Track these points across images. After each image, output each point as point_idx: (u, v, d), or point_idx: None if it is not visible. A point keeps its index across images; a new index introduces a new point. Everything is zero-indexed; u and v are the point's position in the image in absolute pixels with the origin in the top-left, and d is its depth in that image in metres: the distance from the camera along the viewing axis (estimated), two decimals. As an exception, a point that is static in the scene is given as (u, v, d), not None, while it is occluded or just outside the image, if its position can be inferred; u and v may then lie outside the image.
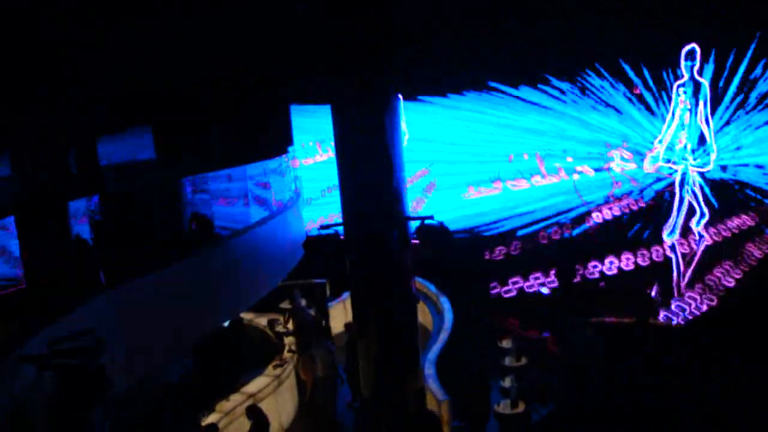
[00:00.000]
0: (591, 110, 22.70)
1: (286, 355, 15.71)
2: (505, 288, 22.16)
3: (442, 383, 13.25)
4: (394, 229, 11.99)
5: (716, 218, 21.66)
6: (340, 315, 19.21)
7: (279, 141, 22.67)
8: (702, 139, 21.19)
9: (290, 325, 16.95)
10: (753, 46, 20.70)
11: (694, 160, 21.39)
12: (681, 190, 21.65)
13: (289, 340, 16.33)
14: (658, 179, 22.30)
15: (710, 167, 21.28)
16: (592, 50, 21.42)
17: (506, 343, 16.76)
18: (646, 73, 21.70)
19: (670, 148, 21.42)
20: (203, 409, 12.80)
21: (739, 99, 21.41)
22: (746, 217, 21.90)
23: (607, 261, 22.16)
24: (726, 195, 21.69)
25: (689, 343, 16.36)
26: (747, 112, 21.50)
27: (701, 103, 20.84)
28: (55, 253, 12.60)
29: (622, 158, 22.49)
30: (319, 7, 12.00)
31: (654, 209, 22.28)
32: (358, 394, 15.37)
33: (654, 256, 22.10)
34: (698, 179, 21.57)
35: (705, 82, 20.81)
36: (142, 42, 16.40)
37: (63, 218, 12.89)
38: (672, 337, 17.48)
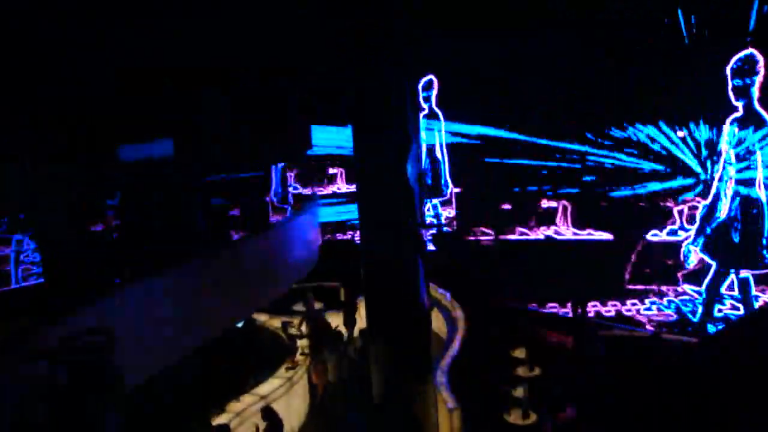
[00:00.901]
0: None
1: (299, 357, 15.72)
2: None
3: (453, 391, 13.20)
4: (409, 236, 11.98)
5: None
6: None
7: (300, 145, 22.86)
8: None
9: (303, 328, 16.96)
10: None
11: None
12: None
13: (301, 343, 16.34)
14: None
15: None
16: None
17: (519, 353, 16.67)
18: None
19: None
20: (214, 410, 12.84)
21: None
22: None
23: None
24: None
25: (704, 360, 16.16)
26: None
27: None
28: (73, 250, 12.73)
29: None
30: (344, 19, 11.99)
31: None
32: (368, 400, 15.38)
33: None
34: None
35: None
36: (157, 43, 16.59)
37: (81, 215, 13.01)
38: (686, 353, 17.29)
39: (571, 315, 20.45)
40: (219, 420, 12.51)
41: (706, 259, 19.41)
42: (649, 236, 22.47)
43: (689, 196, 22.62)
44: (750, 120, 18.25)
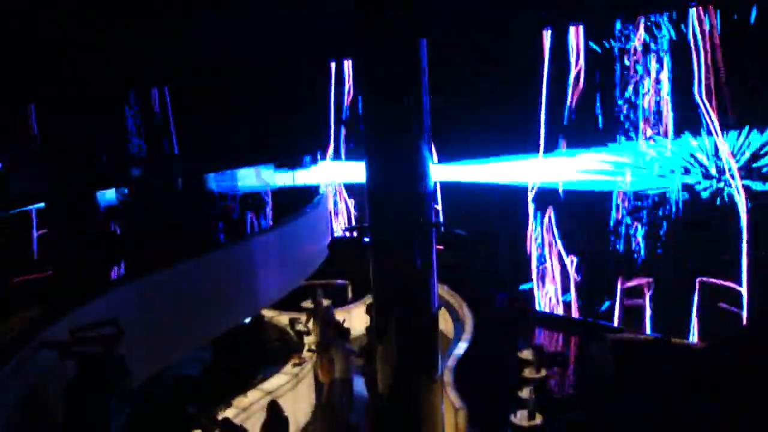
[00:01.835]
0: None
1: (306, 354, 15.74)
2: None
3: (460, 391, 13.19)
4: (419, 235, 11.96)
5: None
6: (361, 317, 19.21)
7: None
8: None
9: (311, 325, 16.96)
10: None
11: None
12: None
13: (309, 340, 16.35)
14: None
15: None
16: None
17: (526, 354, 16.64)
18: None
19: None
20: (220, 404, 12.86)
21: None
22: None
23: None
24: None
25: (711, 364, 16.13)
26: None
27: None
28: (83, 242, 12.79)
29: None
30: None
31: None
32: (374, 398, 15.39)
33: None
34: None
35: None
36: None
37: (92, 207, 13.06)
38: (693, 357, 17.25)
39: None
40: (225, 414, 12.52)
41: None
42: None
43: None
44: None
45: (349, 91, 25.55)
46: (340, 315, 17.93)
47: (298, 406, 14.61)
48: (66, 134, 12.97)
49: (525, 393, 14.98)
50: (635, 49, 19.59)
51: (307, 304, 18.59)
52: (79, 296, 9.66)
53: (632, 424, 14.01)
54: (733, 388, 14.12)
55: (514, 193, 22.42)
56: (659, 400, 14.19)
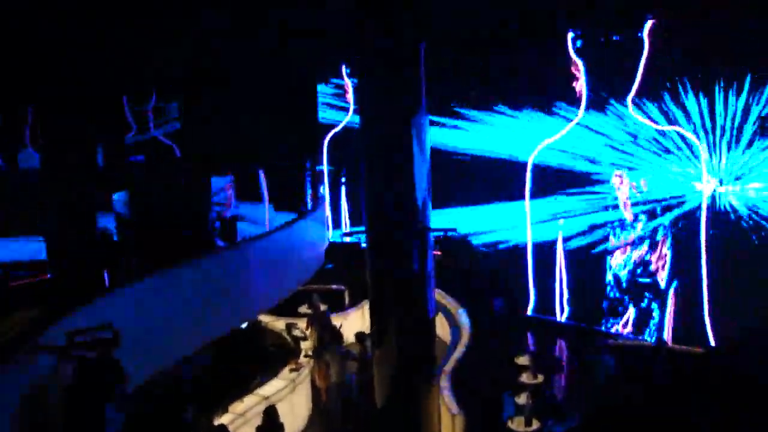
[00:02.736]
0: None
1: (303, 359, 15.72)
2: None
3: (456, 396, 13.19)
4: (415, 240, 11.98)
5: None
6: (358, 322, 19.19)
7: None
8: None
9: (308, 330, 16.95)
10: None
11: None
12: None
13: (305, 345, 16.35)
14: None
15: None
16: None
17: (523, 360, 16.66)
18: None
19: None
20: (217, 409, 12.84)
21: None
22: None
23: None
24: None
25: (708, 370, 16.14)
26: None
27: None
28: (81, 245, 12.78)
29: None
30: (348, 11, 12.07)
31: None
32: (367, 404, 15.40)
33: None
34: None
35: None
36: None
37: (89, 211, 13.06)
38: (691, 363, 17.26)
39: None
40: (221, 420, 12.50)
41: None
42: None
43: None
44: None
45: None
46: (337, 320, 17.92)
47: (295, 411, 14.59)
48: (65, 135, 12.94)
49: (522, 399, 15.00)
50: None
51: (305, 309, 18.59)
52: (76, 299, 9.65)
53: (628, 430, 14.01)
54: (731, 393, 14.14)
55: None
56: (656, 405, 14.20)
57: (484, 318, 17.87)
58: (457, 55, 20.50)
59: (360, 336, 16.32)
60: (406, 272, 12.11)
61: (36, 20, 12.47)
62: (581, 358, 17.03)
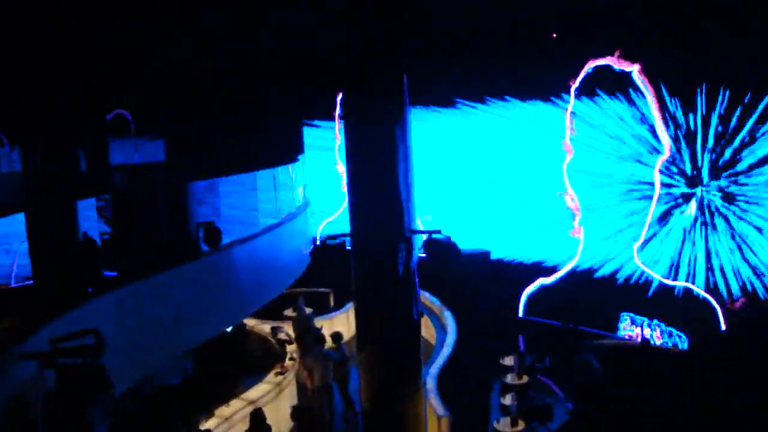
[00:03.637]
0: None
1: (288, 363, 15.69)
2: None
3: (443, 398, 13.19)
4: (401, 242, 11.97)
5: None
6: (343, 325, 19.19)
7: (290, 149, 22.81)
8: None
9: (293, 333, 16.93)
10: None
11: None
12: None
13: (291, 348, 16.31)
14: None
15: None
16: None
17: (508, 361, 16.72)
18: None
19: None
20: (202, 414, 12.78)
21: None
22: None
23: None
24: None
25: (692, 368, 16.24)
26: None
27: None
28: (63, 251, 12.68)
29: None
30: (332, 17, 12.07)
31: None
32: (350, 406, 15.40)
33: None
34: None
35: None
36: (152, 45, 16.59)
37: (71, 216, 12.96)
38: (676, 361, 17.38)
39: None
40: (207, 425, 12.45)
41: None
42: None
43: None
44: None
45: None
46: (322, 324, 17.92)
47: (281, 414, 14.53)
48: (47, 140, 12.86)
49: (507, 399, 15.06)
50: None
51: (290, 312, 18.57)
52: (58, 306, 9.58)
53: (618, 429, 14.08)
54: (715, 390, 14.24)
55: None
56: (644, 403, 14.27)
57: (469, 319, 17.89)
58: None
59: (335, 335, 16.35)
60: (390, 274, 12.09)
61: (36, 20, 12.42)
62: (567, 358, 17.07)
